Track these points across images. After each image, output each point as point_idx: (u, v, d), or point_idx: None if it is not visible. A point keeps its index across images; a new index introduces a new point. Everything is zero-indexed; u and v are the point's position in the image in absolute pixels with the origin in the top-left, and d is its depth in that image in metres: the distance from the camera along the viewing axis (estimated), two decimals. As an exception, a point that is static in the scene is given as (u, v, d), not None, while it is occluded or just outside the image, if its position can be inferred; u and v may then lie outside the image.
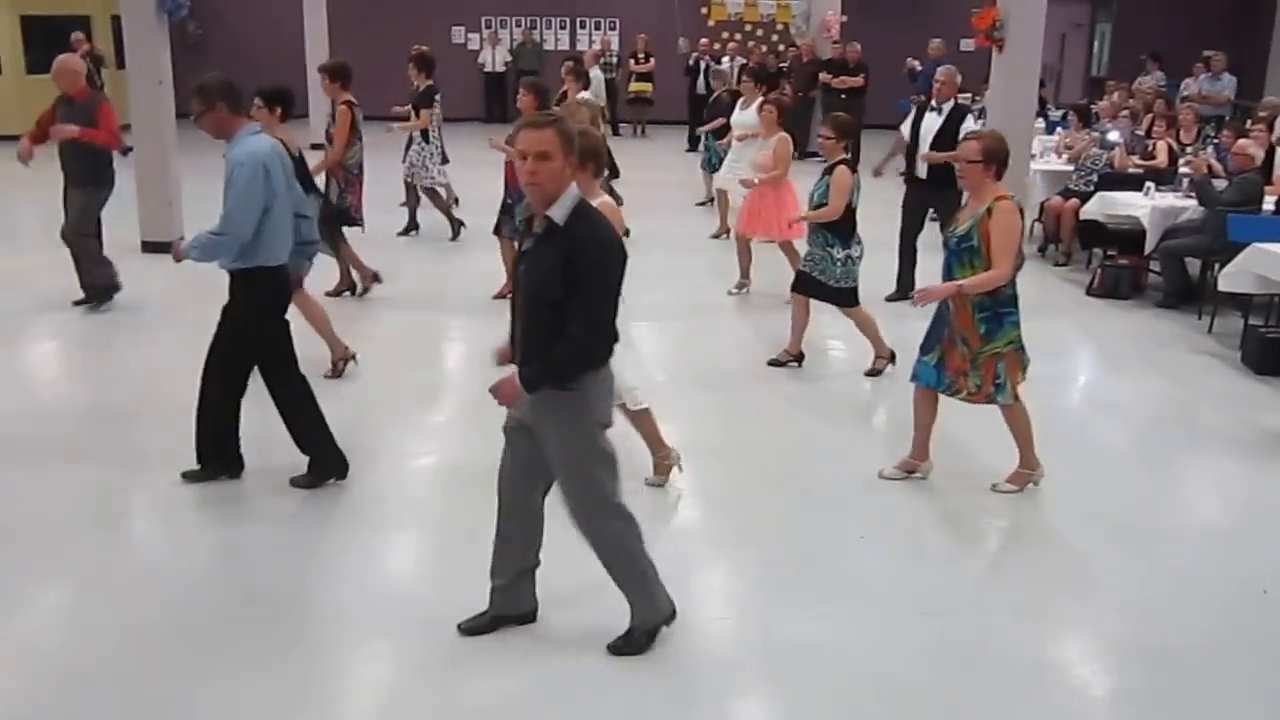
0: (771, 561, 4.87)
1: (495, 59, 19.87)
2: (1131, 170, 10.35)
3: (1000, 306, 5.20)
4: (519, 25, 20.93)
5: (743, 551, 4.99)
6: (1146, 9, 19.46)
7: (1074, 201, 10.33)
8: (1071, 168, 10.92)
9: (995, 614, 4.47)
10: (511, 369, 3.74)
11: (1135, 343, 8.30)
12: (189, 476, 5.35)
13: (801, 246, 7.90)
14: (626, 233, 4.89)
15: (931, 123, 8.70)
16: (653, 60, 18.96)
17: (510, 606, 4.16)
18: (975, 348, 5.22)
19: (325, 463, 5.39)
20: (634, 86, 19.17)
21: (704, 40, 18.53)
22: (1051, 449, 6.04)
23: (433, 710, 3.80)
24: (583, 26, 21.33)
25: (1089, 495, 5.58)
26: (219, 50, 19.01)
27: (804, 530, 5.15)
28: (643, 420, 5.36)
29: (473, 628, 4.14)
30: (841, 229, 6.94)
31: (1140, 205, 9.43)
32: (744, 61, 17.84)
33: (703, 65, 17.97)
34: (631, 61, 19.13)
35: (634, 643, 4.05)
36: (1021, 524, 5.33)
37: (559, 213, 3.62)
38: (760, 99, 9.78)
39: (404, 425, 6.33)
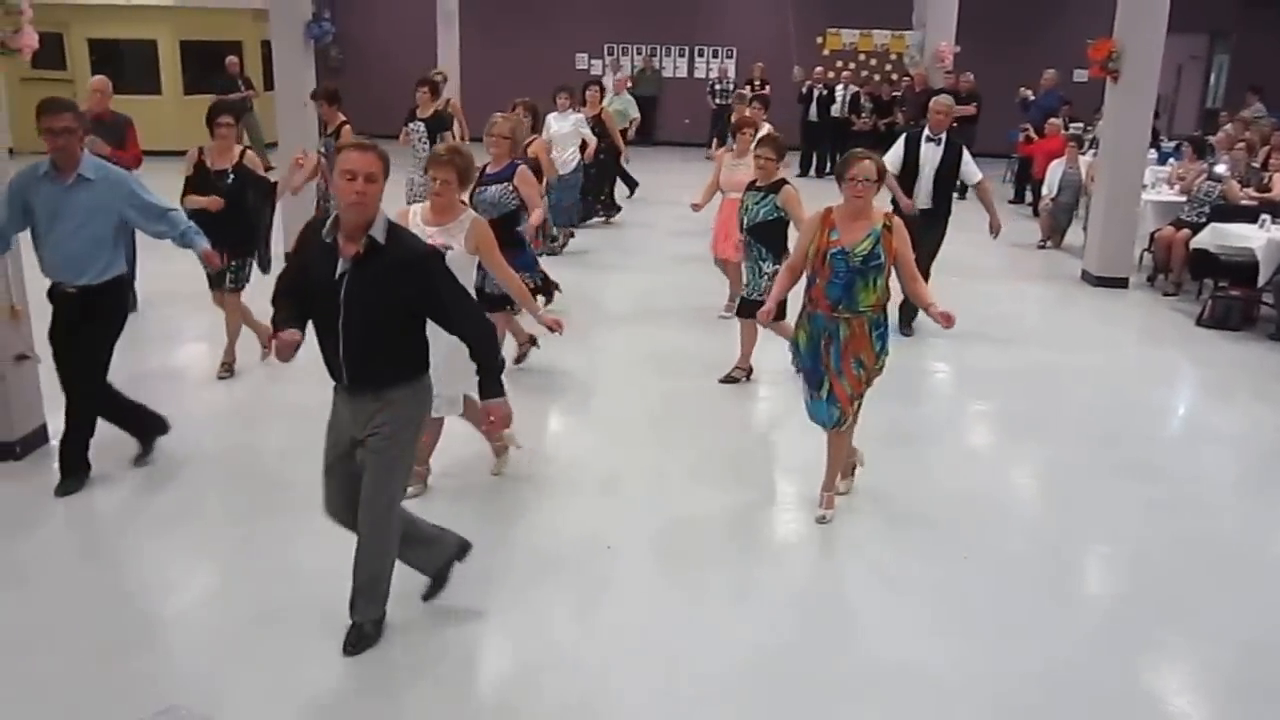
0: (873, 580, 4.96)
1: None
2: (1245, 202, 10.34)
3: (886, 321, 5.29)
4: (639, 52, 21.56)
5: (845, 570, 5.11)
6: (1265, 41, 19.15)
7: (1185, 231, 10.37)
8: (1183, 199, 10.97)
9: (1095, 641, 4.49)
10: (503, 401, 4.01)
11: (1245, 374, 8.26)
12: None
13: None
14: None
15: (930, 153, 8.49)
16: (768, 88, 19.31)
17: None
18: (871, 366, 5.25)
19: (151, 429, 5.86)
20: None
21: (818, 69, 18.84)
22: (1157, 478, 6.13)
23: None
24: (700, 54, 21.84)
25: (1193, 525, 5.60)
26: (357, 75, 19.94)
27: (905, 549, 5.25)
28: (436, 425, 5.47)
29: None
30: (775, 245, 7.00)
31: (1254, 237, 9.45)
32: (857, 90, 18.15)
33: (816, 93, 18.32)
34: (748, 89, 19.52)
35: (442, 576, 4.44)
36: (1122, 551, 5.36)
37: (379, 232, 3.82)
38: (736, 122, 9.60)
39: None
